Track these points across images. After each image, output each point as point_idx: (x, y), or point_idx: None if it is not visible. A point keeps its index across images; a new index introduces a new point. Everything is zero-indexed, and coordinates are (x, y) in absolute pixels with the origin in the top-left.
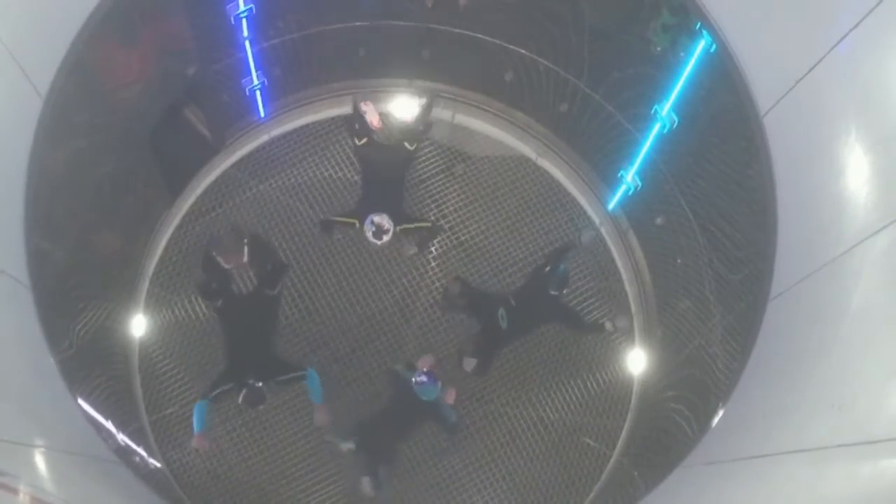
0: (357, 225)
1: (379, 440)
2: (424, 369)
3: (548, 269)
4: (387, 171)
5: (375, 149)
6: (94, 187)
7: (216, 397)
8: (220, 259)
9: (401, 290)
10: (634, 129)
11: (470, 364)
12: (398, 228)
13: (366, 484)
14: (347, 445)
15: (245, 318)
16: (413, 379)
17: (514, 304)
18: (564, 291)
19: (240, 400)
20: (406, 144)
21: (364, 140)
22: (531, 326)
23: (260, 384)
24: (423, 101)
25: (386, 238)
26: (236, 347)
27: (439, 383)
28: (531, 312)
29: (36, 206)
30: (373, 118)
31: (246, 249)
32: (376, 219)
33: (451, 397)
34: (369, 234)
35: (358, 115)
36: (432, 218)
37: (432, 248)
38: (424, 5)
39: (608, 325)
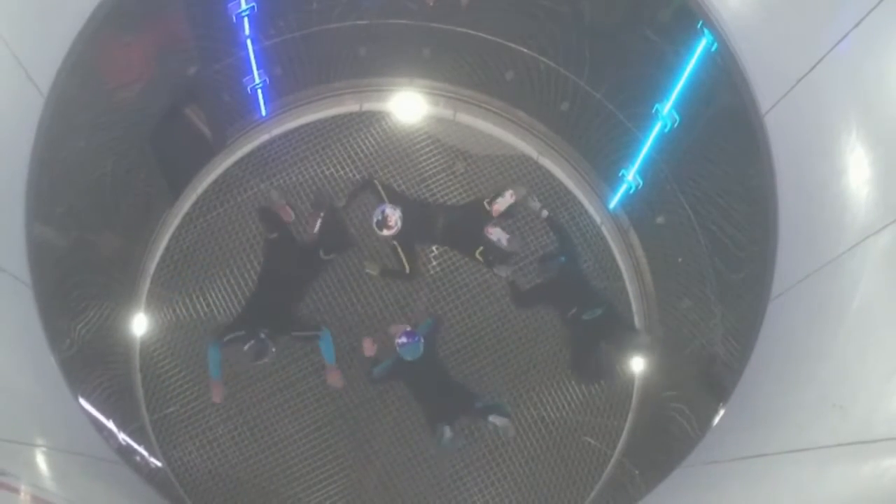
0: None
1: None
2: (398, 334)
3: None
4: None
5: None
6: (95, 186)
7: (228, 343)
8: (281, 215)
9: (401, 290)
10: (635, 128)
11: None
12: (394, 242)
13: (446, 432)
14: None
15: (287, 266)
16: (396, 345)
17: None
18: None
19: (245, 348)
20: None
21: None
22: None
23: (264, 336)
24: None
25: (387, 232)
26: (264, 293)
27: (420, 338)
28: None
29: (37, 205)
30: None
31: (319, 222)
32: (388, 209)
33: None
34: (374, 221)
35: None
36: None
37: (433, 248)
38: (425, 4)
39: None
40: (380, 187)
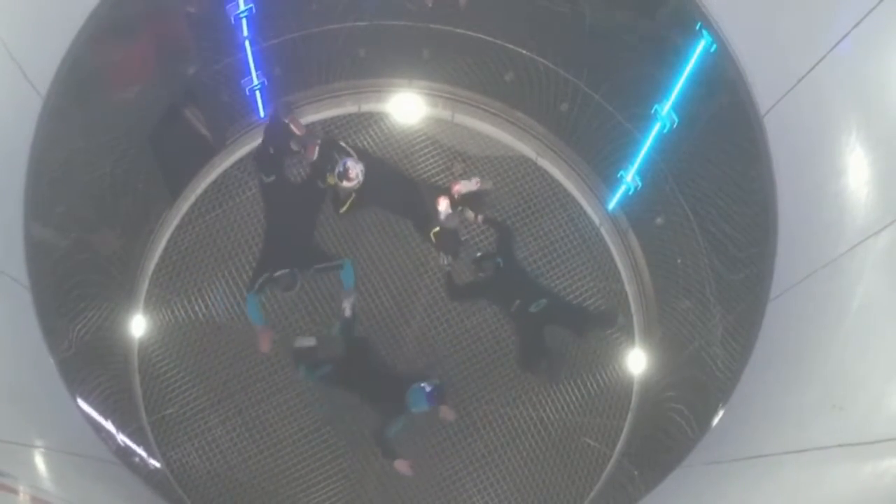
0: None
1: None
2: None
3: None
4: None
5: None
6: (93, 187)
7: (261, 288)
8: (292, 126)
9: (401, 289)
10: (634, 129)
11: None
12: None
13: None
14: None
15: (292, 204)
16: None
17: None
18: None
19: (275, 275)
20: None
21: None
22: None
23: (295, 271)
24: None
25: (347, 184)
26: (277, 234)
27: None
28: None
29: (35, 206)
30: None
31: (317, 149)
32: (349, 161)
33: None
34: (335, 174)
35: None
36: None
37: (434, 248)
38: (424, 5)
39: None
40: (344, 144)
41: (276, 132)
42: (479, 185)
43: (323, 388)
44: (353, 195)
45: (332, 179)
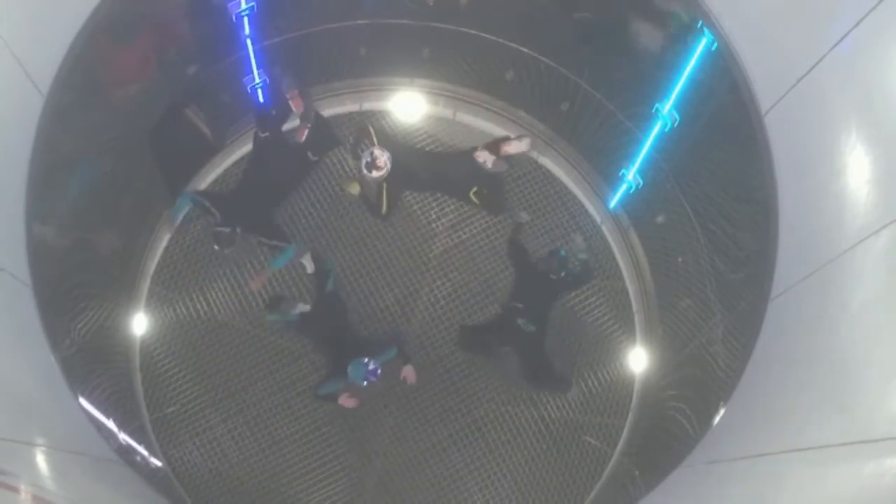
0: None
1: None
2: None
3: (546, 260)
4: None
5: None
6: (95, 185)
7: (199, 208)
8: (290, 99)
9: (402, 289)
10: (635, 128)
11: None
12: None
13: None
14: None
15: (273, 166)
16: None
17: (523, 307)
18: (563, 274)
19: (214, 229)
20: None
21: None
22: (548, 310)
23: (237, 231)
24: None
25: (376, 173)
26: (246, 190)
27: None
28: (542, 301)
29: (37, 205)
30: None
31: (306, 132)
32: (376, 150)
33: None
34: (363, 162)
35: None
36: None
37: (434, 247)
38: (425, 4)
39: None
40: (372, 131)
41: (264, 117)
42: (528, 145)
43: (286, 333)
44: (385, 188)
45: (354, 187)
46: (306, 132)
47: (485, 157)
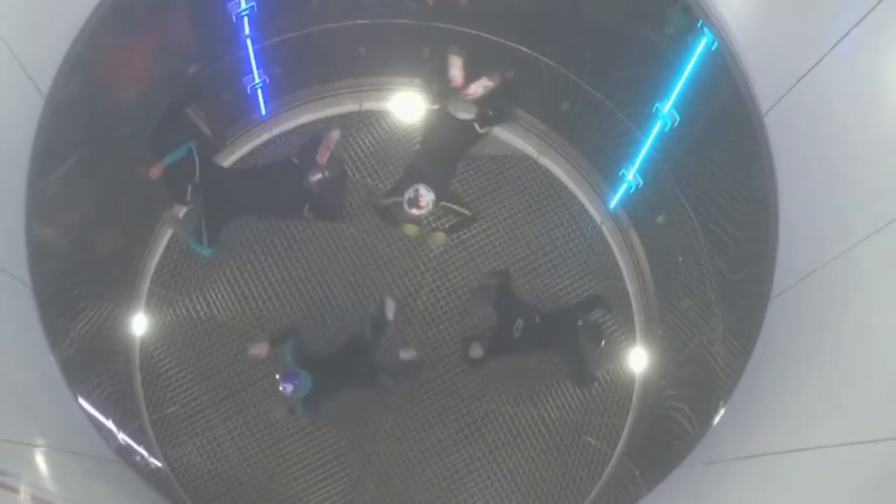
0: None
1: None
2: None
3: (581, 321)
4: (445, 146)
5: (444, 120)
6: (95, 186)
7: (174, 161)
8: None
9: (402, 289)
10: (636, 128)
11: (477, 351)
12: (441, 203)
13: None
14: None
15: (268, 182)
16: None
17: (538, 322)
18: (602, 344)
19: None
20: (476, 126)
21: (437, 106)
22: (541, 349)
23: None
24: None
25: (416, 211)
26: (232, 182)
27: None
28: (547, 339)
29: (37, 205)
30: (457, 74)
31: (328, 154)
32: (421, 189)
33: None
34: (405, 198)
35: (439, 80)
36: (469, 209)
37: (434, 247)
38: (425, 3)
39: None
40: (388, 202)
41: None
42: (494, 80)
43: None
44: (449, 203)
45: (411, 229)
46: (328, 154)
47: (478, 86)
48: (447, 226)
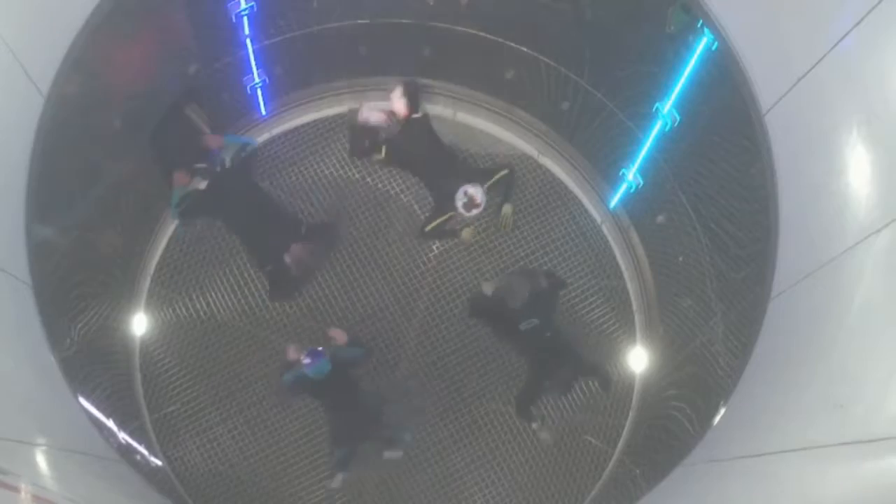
0: (454, 214)
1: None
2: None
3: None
4: (425, 150)
5: (398, 144)
6: (95, 186)
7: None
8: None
9: (402, 288)
10: (636, 127)
11: (488, 288)
12: (485, 186)
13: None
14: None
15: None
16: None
17: (547, 336)
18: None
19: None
20: (419, 116)
21: (383, 150)
22: (532, 359)
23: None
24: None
25: (476, 211)
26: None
27: (324, 357)
28: (545, 356)
29: (37, 205)
30: (379, 116)
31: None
32: (470, 190)
33: (340, 337)
34: (459, 205)
35: (362, 132)
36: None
37: (434, 247)
38: (426, 3)
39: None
40: (434, 224)
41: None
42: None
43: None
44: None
45: (468, 233)
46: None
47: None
48: (499, 198)
